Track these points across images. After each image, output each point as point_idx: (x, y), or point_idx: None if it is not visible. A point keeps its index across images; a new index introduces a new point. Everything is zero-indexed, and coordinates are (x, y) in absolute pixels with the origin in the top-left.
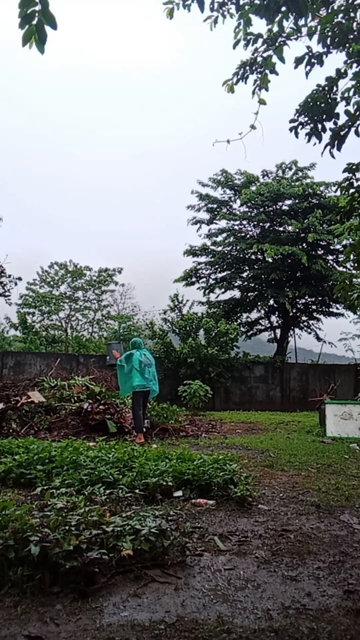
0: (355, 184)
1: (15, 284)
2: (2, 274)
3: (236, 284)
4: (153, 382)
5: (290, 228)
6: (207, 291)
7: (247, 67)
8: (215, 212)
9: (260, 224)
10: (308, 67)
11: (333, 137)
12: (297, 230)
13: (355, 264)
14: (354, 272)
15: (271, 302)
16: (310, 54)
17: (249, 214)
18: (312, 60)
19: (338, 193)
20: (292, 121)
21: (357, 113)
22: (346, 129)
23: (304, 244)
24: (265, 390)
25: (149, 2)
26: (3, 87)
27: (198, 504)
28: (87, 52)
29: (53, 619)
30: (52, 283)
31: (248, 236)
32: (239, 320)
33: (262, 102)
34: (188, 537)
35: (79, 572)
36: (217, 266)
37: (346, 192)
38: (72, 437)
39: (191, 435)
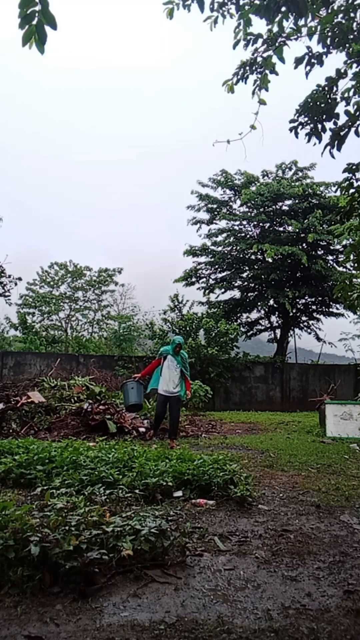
0: (355, 184)
1: (15, 284)
2: (2, 274)
3: (236, 284)
4: None
5: (290, 228)
6: (207, 291)
7: (247, 67)
8: (215, 212)
9: (260, 224)
10: (308, 67)
11: (333, 137)
12: (297, 230)
13: (355, 264)
14: (354, 272)
15: (271, 302)
16: (310, 54)
17: (249, 214)
18: (312, 60)
19: (338, 193)
20: (292, 121)
21: (357, 113)
22: (346, 129)
23: (304, 244)
24: (265, 390)
25: (149, 2)
26: (3, 87)
27: (198, 504)
28: (86, 53)
29: (53, 619)
30: (52, 283)
31: (248, 236)
32: (239, 321)
33: (262, 102)
34: (188, 537)
35: (79, 572)
36: (217, 266)
37: (346, 192)
38: (72, 437)
39: (191, 435)
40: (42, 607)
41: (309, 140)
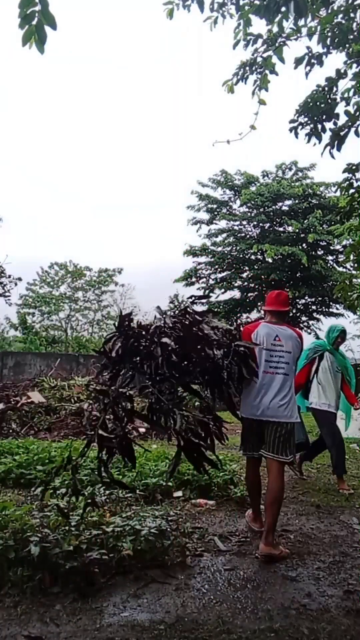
0: (355, 184)
1: (15, 284)
2: (2, 274)
3: (236, 285)
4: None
5: (290, 228)
6: (207, 291)
7: (247, 67)
8: (215, 213)
9: (260, 224)
10: (308, 67)
11: (333, 137)
12: (297, 230)
13: (355, 264)
14: (354, 272)
15: None
16: (310, 54)
17: (249, 214)
18: (312, 60)
19: (338, 193)
20: (292, 121)
21: (357, 113)
22: (346, 129)
23: (304, 245)
24: None
25: (150, 2)
26: (4, 87)
27: (198, 504)
28: (86, 52)
29: (53, 619)
30: (52, 283)
31: (248, 236)
32: (239, 321)
33: (262, 102)
34: (188, 537)
35: (79, 572)
36: (217, 266)
37: (346, 193)
38: (72, 437)
39: None
40: (42, 607)
41: (309, 141)
